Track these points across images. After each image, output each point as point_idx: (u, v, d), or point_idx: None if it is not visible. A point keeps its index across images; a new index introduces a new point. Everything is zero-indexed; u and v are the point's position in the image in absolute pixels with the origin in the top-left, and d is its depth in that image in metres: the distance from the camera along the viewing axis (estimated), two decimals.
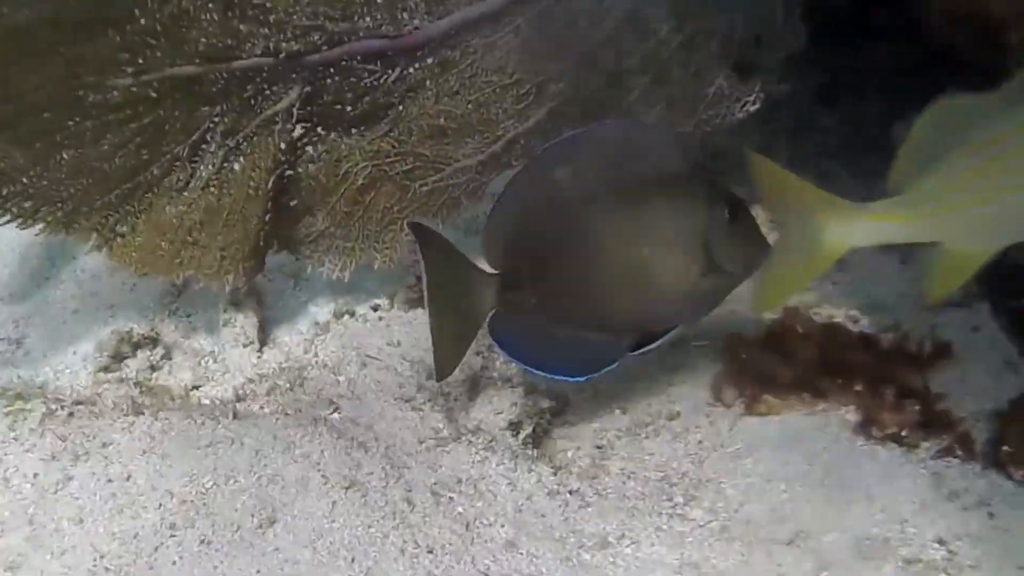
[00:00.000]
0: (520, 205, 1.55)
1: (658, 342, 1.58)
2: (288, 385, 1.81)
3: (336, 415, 1.67)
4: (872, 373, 1.62)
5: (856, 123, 2.21)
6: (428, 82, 1.98)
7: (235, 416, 1.65)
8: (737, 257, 1.54)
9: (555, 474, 1.60)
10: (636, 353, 1.58)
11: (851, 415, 1.60)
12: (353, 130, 2.02)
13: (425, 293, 1.50)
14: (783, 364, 1.66)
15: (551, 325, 1.56)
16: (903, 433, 1.55)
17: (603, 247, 1.52)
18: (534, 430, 1.69)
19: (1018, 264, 1.77)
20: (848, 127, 2.22)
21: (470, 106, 1.98)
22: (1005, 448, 1.48)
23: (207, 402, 1.85)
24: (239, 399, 1.80)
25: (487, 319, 1.57)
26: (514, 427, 1.68)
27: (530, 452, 1.66)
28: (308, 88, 1.96)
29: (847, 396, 1.61)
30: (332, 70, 1.95)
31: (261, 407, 1.75)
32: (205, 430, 1.59)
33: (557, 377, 1.57)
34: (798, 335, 1.70)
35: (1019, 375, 1.66)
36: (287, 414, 1.68)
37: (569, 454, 1.69)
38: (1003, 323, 1.72)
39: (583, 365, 1.56)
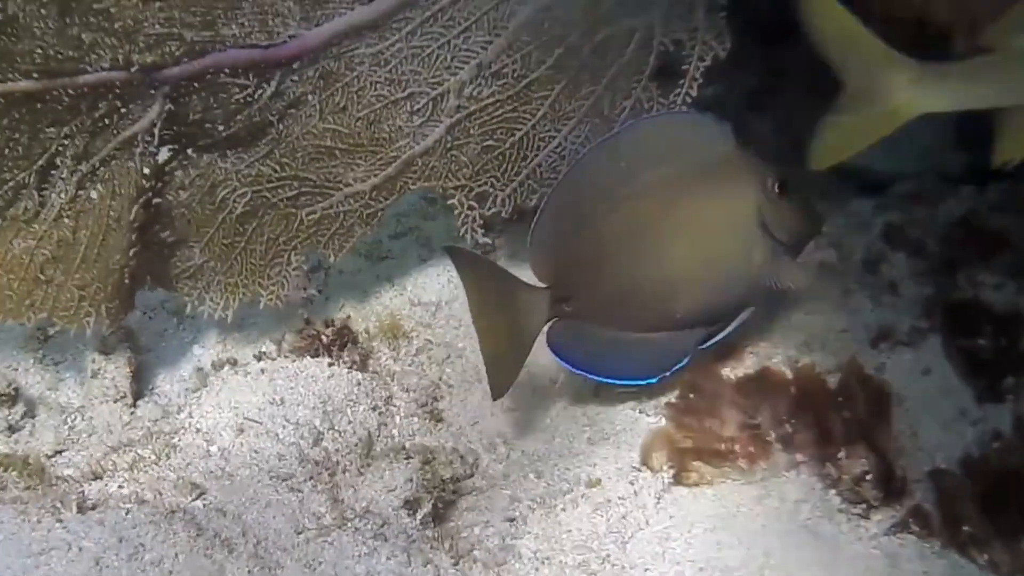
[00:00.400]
0: (564, 213, 1.48)
1: (728, 329, 1.47)
2: (154, 457, 1.49)
3: (200, 502, 1.36)
4: (815, 430, 1.36)
5: (791, 130, 1.93)
6: (310, 97, 1.64)
7: (79, 508, 1.33)
8: (793, 228, 1.46)
9: (456, 564, 1.32)
10: (706, 345, 1.47)
11: (792, 484, 1.34)
12: (229, 152, 1.68)
13: (472, 315, 1.46)
14: (716, 423, 1.40)
15: (610, 329, 1.46)
16: (851, 504, 1.30)
17: (659, 242, 1.44)
18: (434, 506, 1.40)
19: (971, 299, 1.53)
20: (783, 135, 1.94)
21: (359, 123, 1.66)
22: (966, 528, 1.24)
23: (68, 473, 1.53)
24: (95, 476, 1.47)
25: (541, 332, 1.47)
26: (411, 505, 1.37)
27: (429, 534, 1.36)
28: (170, 105, 1.61)
29: (788, 460, 1.35)
30: (196, 85, 1.61)
31: (120, 487, 1.44)
32: (39, 531, 1.27)
33: (627, 383, 1.48)
34: (734, 387, 1.43)
35: (975, 426, 1.40)
36: (143, 501, 1.37)
37: (476, 531, 1.40)
38: (956, 365, 1.46)
39: (652, 366, 1.45)
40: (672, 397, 1.50)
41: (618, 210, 1.44)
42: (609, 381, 1.48)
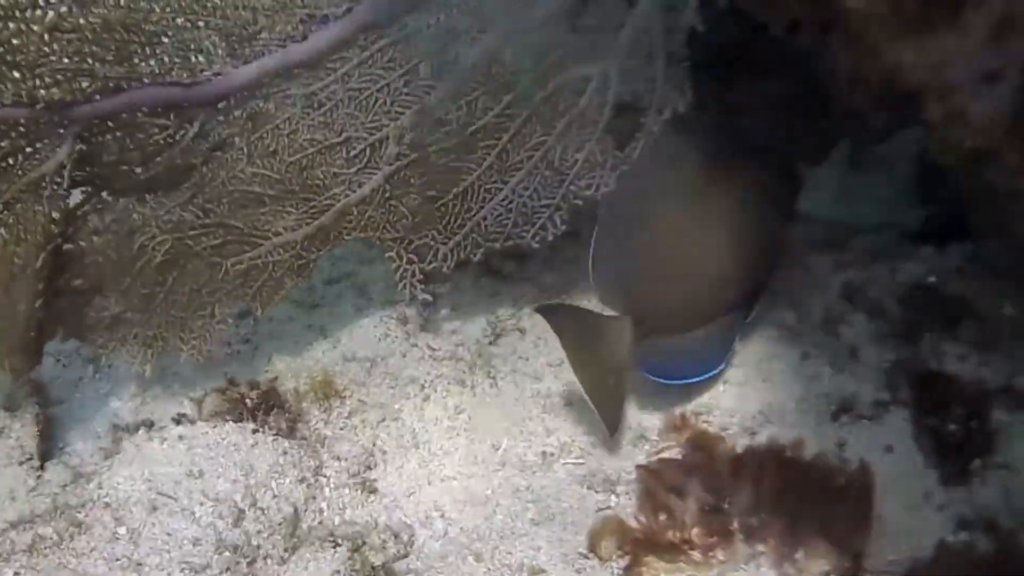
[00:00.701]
0: (615, 246, 1.53)
1: (760, 301, 1.54)
2: (56, 537, 1.31)
3: None
4: (778, 520, 1.23)
5: None
6: (237, 139, 1.47)
7: None
8: (787, 194, 1.62)
9: None
10: (749, 319, 1.53)
11: None
12: (148, 196, 1.50)
13: (571, 363, 1.48)
14: (672, 505, 1.26)
15: (670, 336, 1.49)
16: None
17: (710, 243, 1.50)
18: None
19: (938, 372, 1.42)
20: None
21: (291, 169, 1.49)
22: None
23: None
24: None
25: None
26: None
27: None
28: (82, 146, 1.43)
29: (748, 551, 1.23)
30: (111, 124, 1.43)
31: (15, 574, 1.26)
32: None
33: (707, 376, 1.48)
34: (692, 465, 1.30)
35: (940, 512, 1.28)
36: None
37: None
38: (922, 444, 1.35)
39: (716, 354, 1.48)
40: (625, 471, 1.38)
41: (665, 228, 1.51)
42: (693, 380, 1.47)
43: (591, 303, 1.59)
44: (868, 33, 1.24)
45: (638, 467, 1.37)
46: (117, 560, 1.26)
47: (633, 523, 1.28)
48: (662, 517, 1.26)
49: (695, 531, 1.25)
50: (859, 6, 1.21)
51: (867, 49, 1.26)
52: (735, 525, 1.24)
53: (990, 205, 1.32)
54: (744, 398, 1.46)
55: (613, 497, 1.37)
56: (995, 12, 1.15)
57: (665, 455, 1.40)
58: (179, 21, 1.39)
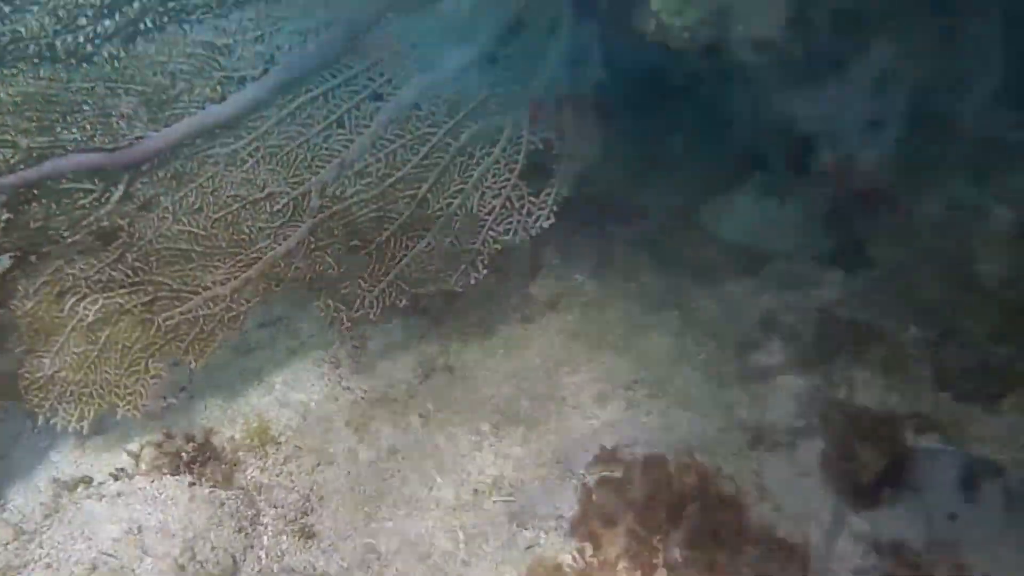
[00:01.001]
0: None
1: None
2: None
3: None
4: (702, 556, 1.30)
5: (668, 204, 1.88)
6: (163, 199, 1.51)
7: None
8: None
9: None
10: None
11: None
12: (76, 258, 1.54)
13: None
14: (604, 536, 1.33)
15: None
16: None
17: None
18: None
19: (847, 402, 1.49)
20: (659, 210, 1.88)
21: (217, 225, 1.53)
22: None
23: None
24: None
25: None
26: None
27: None
28: (8, 214, 1.47)
29: None
30: (36, 192, 1.47)
31: None
32: None
33: None
34: (627, 499, 1.37)
35: (853, 537, 1.36)
36: None
37: None
38: (835, 471, 1.41)
39: None
40: (555, 507, 1.44)
41: None
42: None
43: (518, 335, 1.66)
44: (763, 85, 1.32)
45: (583, 483, 1.43)
46: None
47: (562, 561, 1.34)
48: (589, 550, 1.33)
49: (621, 566, 1.31)
50: (752, 60, 1.29)
51: (763, 99, 1.34)
52: (659, 560, 1.31)
53: (883, 240, 1.40)
54: (667, 429, 1.53)
55: (543, 535, 1.42)
56: (876, 65, 1.24)
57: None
58: (98, 89, 1.43)
